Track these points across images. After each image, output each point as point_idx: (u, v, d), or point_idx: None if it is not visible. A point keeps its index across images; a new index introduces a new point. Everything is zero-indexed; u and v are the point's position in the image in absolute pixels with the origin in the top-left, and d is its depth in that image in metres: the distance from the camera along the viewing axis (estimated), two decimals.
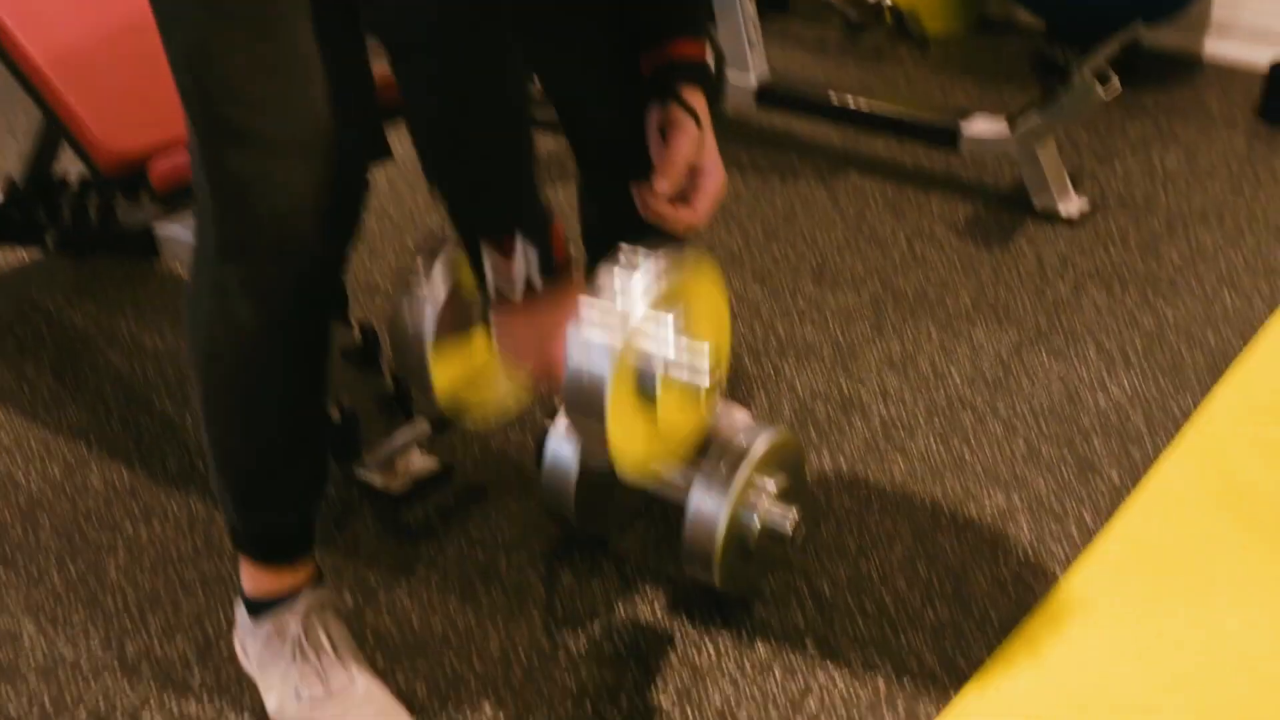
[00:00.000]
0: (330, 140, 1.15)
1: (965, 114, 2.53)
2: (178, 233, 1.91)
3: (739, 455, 1.39)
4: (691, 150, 1.27)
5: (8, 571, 1.52)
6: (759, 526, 1.40)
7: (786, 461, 1.45)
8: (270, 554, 1.31)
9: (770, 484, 1.41)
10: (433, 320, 1.25)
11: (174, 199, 1.83)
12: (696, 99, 1.29)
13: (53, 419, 1.82)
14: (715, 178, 1.31)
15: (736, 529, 1.39)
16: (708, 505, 1.38)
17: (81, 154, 1.85)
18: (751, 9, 2.70)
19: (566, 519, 1.52)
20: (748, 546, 1.41)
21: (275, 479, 1.29)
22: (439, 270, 1.27)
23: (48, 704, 1.33)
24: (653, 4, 1.30)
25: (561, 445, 1.47)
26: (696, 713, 1.32)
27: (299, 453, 1.30)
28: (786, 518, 1.41)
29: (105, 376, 1.93)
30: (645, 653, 1.40)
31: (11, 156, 2.67)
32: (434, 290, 1.26)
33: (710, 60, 1.34)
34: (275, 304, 1.18)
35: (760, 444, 1.40)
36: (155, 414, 1.83)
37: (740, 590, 1.46)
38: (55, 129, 1.94)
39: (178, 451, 1.74)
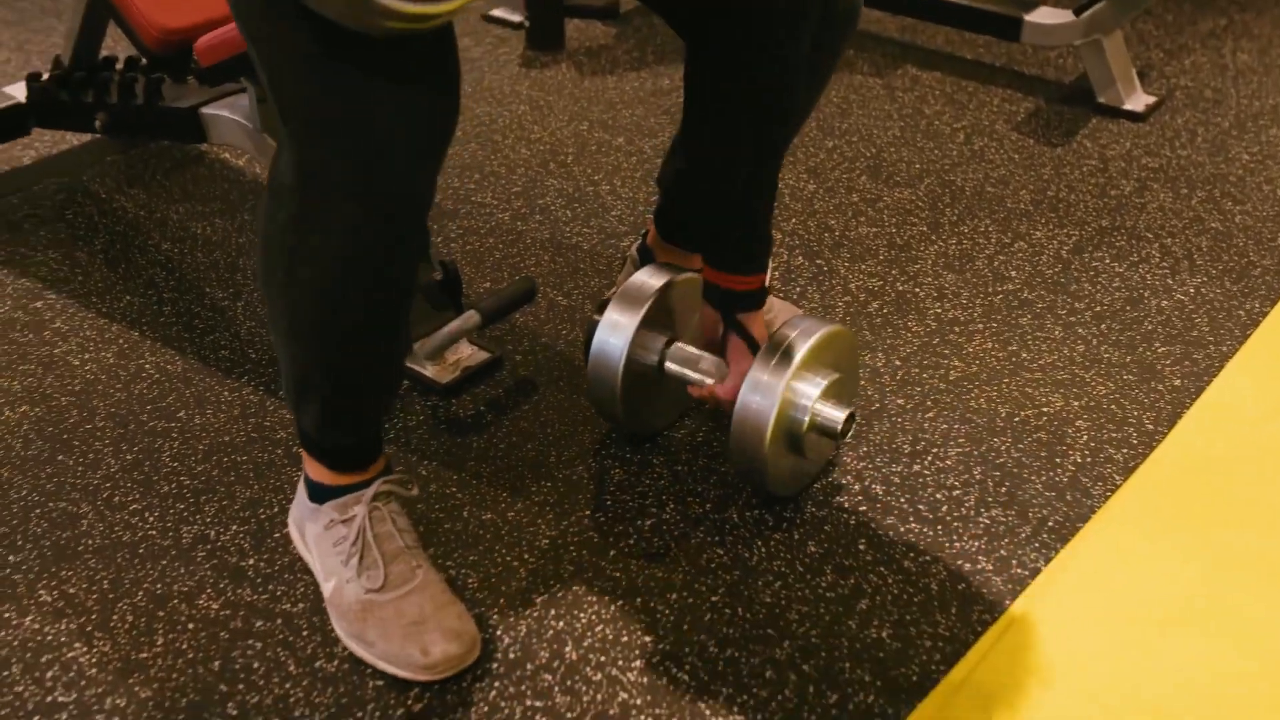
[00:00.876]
0: (453, 64, 1.10)
1: (1028, 2, 2.44)
2: (223, 114, 1.89)
3: (790, 351, 1.37)
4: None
5: (66, 455, 1.53)
6: (809, 423, 1.38)
7: (839, 357, 1.43)
8: (346, 464, 1.31)
9: (822, 380, 1.39)
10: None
11: (219, 77, 1.81)
12: (754, 320, 1.43)
13: (106, 305, 1.82)
14: None
15: (785, 426, 1.38)
16: (756, 402, 1.36)
17: (128, 31, 1.82)
18: None
19: (612, 415, 1.51)
20: (798, 444, 1.40)
21: (360, 403, 1.27)
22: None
23: (107, 586, 1.35)
24: (724, 239, 1.40)
25: (608, 339, 1.46)
26: (747, 611, 1.32)
27: (386, 377, 1.28)
28: (838, 415, 1.39)
29: (157, 263, 1.92)
30: (695, 550, 1.40)
31: (58, 37, 2.64)
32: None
33: (768, 279, 1.49)
34: (366, 238, 1.11)
35: (811, 340, 1.38)
36: (206, 302, 1.83)
37: (791, 488, 1.45)
38: (102, 7, 1.92)
39: (230, 340, 1.74)
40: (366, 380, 1.26)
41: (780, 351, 1.37)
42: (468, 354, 1.68)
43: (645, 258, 1.67)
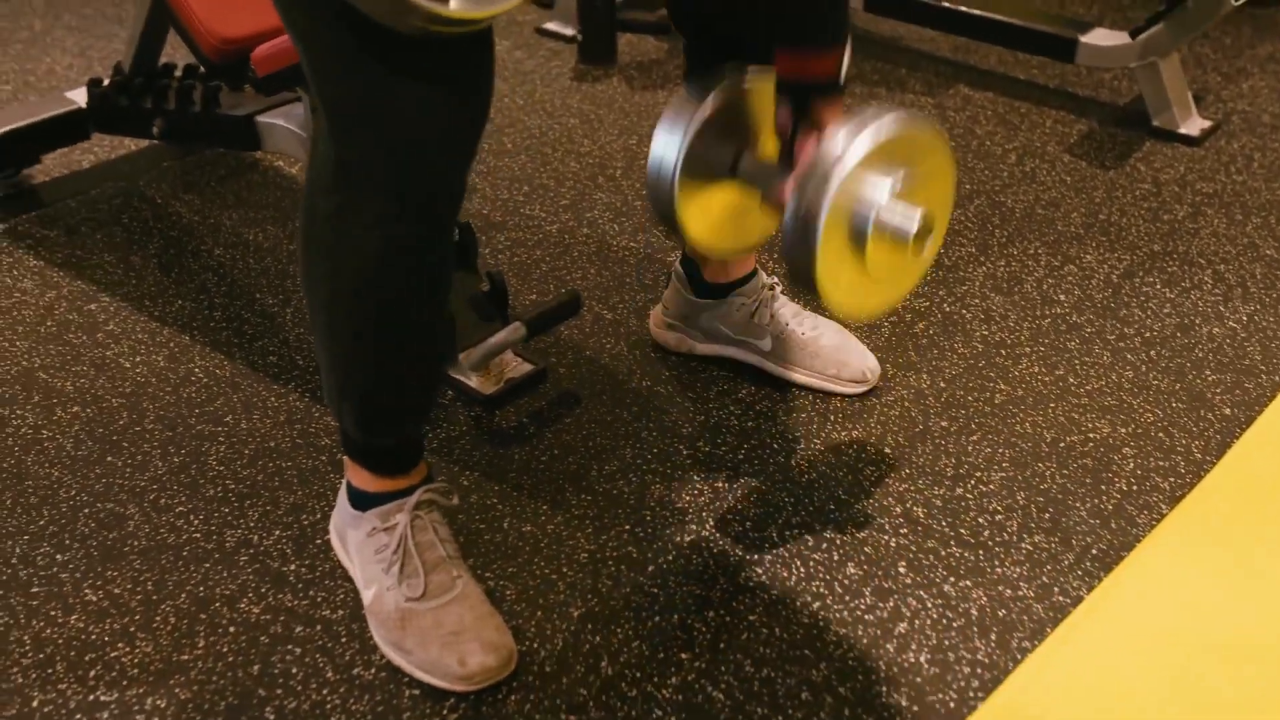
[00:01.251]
0: (488, 64, 1.11)
1: (1083, 24, 2.42)
2: (278, 123, 1.92)
3: (859, 135, 1.16)
4: None
5: (115, 456, 1.56)
6: (874, 225, 1.19)
7: (923, 156, 1.22)
8: (386, 467, 1.32)
9: (897, 171, 1.18)
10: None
11: (275, 86, 1.83)
12: (831, 111, 1.28)
13: (158, 309, 1.85)
14: None
15: (844, 224, 1.19)
16: (810, 192, 1.16)
17: (187, 39, 1.85)
18: None
19: (672, 222, 1.34)
20: (861, 250, 1.21)
21: (398, 400, 1.28)
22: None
23: (151, 587, 1.37)
24: (793, 8, 1.26)
25: (666, 146, 1.29)
26: (784, 631, 1.31)
27: (422, 374, 1.29)
28: (910, 215, 1.17)
29: (209, 268, 1.95)
30: (734, 568, 1.39)
31: (120, 43, 2.69)
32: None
33: (845, 67, 1.31)
34: (401, 231, 1.14)
35: (888, 127, 1.17)
36: (256, 307, 1.85)
37: (856, 309, 1.27)
38: (162, 14, 1.95)
39: (278, 346, 1.76)
40: (405, 374, 1.28)
41: (849, 134, 1.16)
42: (512, 366, 1.69)
43: (689, 269, 1.68)
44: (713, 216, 1.36)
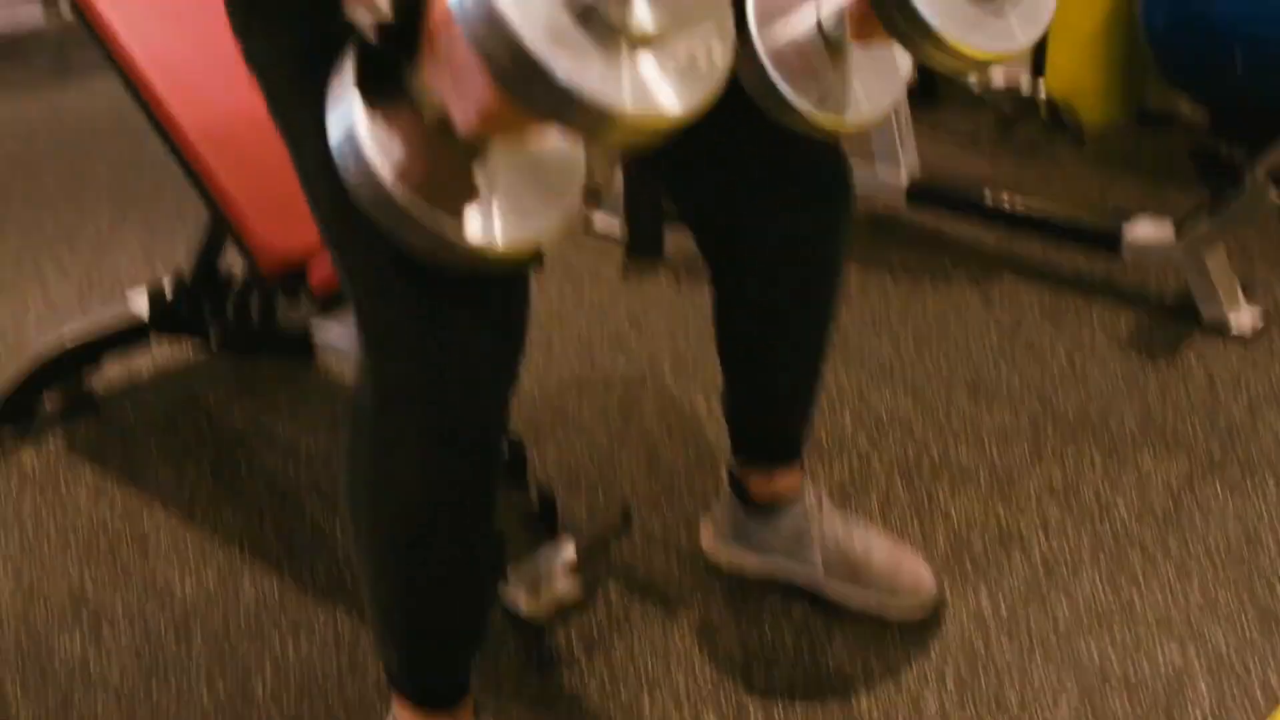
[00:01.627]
0: (525, 286, 1.13)
1: (1127, 216, 2.43)
2: (334, 337, 1.95)
3: None
4: None
5: (160, 687, 1.54)
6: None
7: None
8: (433, 705, 1.30)
9: None
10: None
11: (332, 302, 1.87)
12: None
13: (209, 522, 1.85)
14: None
15: None
16: None
17: (244, 253, 1.90)
18: (903, 102, 2.65)
19: (769, 100, 1.12)
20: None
21: (445, 637, 1.27)
22: None
23: None
24: None
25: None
26: None
27: (470, 609, 1.28)
28: None
29: (261, 479, 1.96)
30: None
31: (180, 249, 2.76)
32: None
33: None
34: (445, 461, 1.14)
35: None
36: (307, 521, 1.85)
37: (977, 46, 1.05)
38: (221, 226, 2.01)
39: (327, 562, 1.76)
40: (452, 609, 1.26)
41: None
42: (561, 586, 1.67)
43: (736, 488, 1.66)
44: (809, 75, 1.12)
